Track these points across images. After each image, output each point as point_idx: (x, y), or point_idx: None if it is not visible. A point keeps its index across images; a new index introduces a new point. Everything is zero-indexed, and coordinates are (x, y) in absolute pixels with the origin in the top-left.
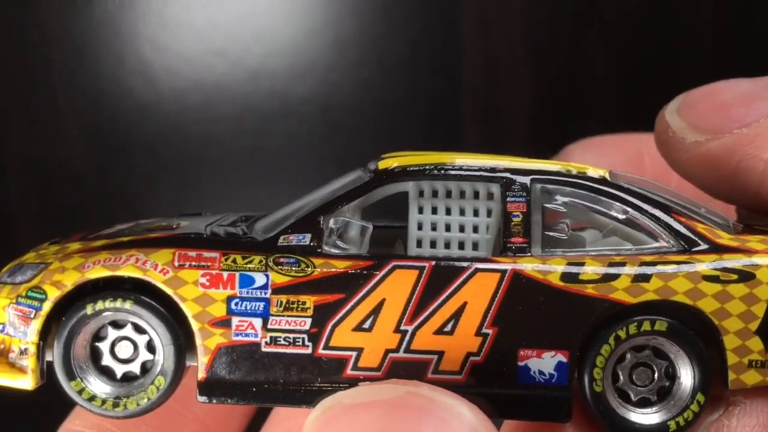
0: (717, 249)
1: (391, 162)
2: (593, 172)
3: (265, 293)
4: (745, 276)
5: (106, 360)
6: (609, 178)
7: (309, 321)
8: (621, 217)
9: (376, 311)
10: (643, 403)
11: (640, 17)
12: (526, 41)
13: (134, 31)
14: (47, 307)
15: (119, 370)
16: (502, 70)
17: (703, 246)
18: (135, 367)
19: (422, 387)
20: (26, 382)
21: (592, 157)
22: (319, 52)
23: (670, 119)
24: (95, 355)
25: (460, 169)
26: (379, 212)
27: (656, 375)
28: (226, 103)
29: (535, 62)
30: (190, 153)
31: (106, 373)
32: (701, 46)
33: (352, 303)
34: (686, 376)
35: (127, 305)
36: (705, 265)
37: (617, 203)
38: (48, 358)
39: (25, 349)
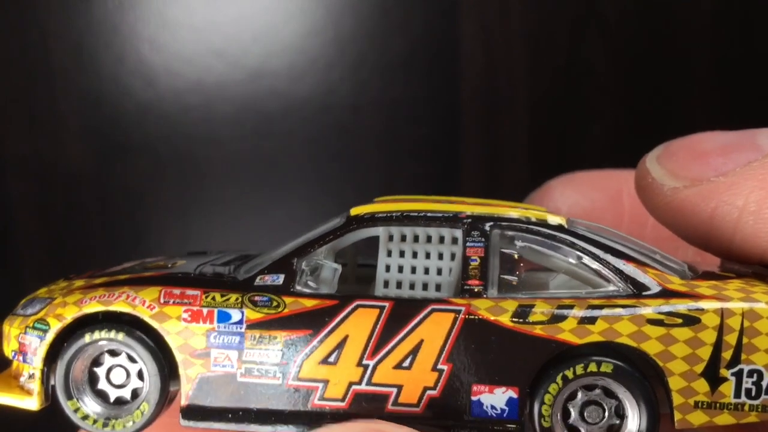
0: (665, 294)
1: (362, 209)
2: (552, 219)
3: (241, 328)
4: (690, 320)
5: (102, 384)
6: (566, 225)
7: (280, 354)
8: (574, 262)
9: (340, 346)
10: None
11: (639, 17)
12: (526, 41)
13: (134, 31)
14: (50, 337)
15: (113, 394)
16: (502, 70)
17: (653, 290)
18: (126, 393)
19: (387, 425)
20: (32, 403)
21: (572, 194)
22: (318, 52)
23: (650, 166)
24: (92, 379)
25: (425, 216)
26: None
27: (606, 413)
28: (226, 103)
29: (535, 62)
30: (190, 153)
31: (101, 396)
32: (701, 47)
33: (318, 338)
34: (633, 415)
35: (120, 337)
36: (650, 308)
37: (571, 249)
38: (53, 382)
39: (32, 374)
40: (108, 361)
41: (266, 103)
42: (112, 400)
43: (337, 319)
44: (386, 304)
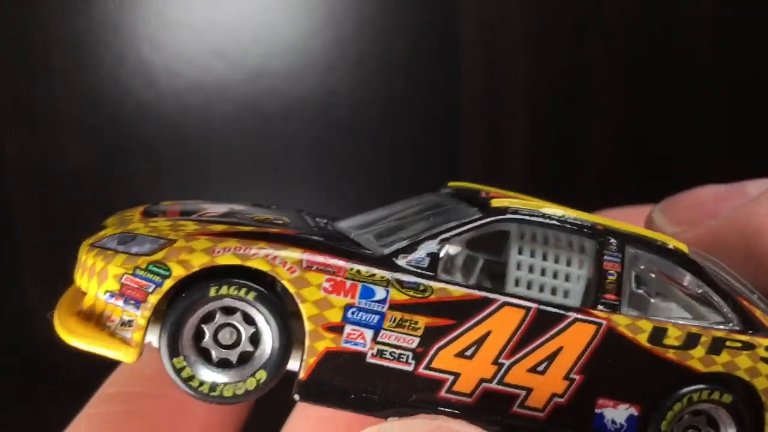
0: None
1: (503, 202)
2: (675, 244)
3: (382, 307)
4: None
5: (206, 342)
6: (688, 254)
7: (417, 340)
8: (697, 291)
9: (480, 341)
10: None
11: (640, 18)
12: (526, 41)
13: (134, 31)
14: (168, 284)
15: (217, 354)
16: (502, 70)
17: (760, 329)
18: (233, 356)
19: (451, 422)
20: (130, 354)
21: None
22: (319, 52)
23: (655, 216)
24: (197, 336)
25: (566, 221)
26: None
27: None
28: (226, 103)
29: (535, 62)
30: (190, 153)
31: (204, 354)
32: (701, 47)
33: (460, 330)
34: None
35: (251, 297)
36: (763, 347)
37: (694, 277)
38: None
39: (129, 321)
40: (219, 318)
41: (266, 103)
42: (214, 360)
43: (483, 314)
44: (532, 306)
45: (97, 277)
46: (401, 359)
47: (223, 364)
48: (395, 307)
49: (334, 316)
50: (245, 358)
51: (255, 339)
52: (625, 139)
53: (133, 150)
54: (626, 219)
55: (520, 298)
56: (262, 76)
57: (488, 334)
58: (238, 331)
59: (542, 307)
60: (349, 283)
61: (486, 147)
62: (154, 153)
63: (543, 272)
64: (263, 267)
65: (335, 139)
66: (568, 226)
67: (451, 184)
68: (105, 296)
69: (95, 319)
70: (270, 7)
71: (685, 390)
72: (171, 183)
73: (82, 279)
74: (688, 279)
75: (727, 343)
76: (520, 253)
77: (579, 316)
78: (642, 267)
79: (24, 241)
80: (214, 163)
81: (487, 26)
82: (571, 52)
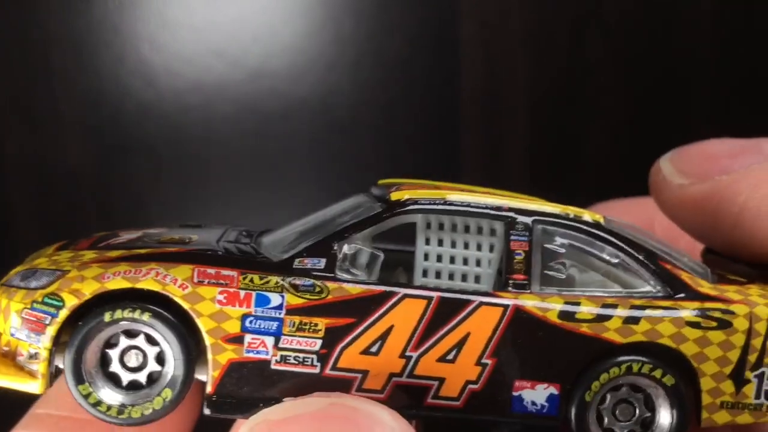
0: (698, 297)
1: (402, 194)
2: (589, 216)
3: (280, 313)
4: (724, 324)
5: (114, 367)
6: (604, 224)
7: (319, 342)
8: (613, 261)
9: (383, 337)
10: None
11: (640, 18)
12: (526, 41)
13: (134, 31)
14: (64, 314)
15: (126, 378)
16: (502, 70)
17: (686, 293)
18: (142, 377)
19: (345, 397)
20: (35, 386)
21: None
22: (318, 52)
23: (662, 164)
24: (104, 362)
25: (468, 206)
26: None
27: (638, 410)
28: (226, 103)
29: (535, 62)
30: (190, 153)
31: (113, 379)
32: (701, 47)
33: (361, 328)
34: (665, 416)
35: (145, 317)
36: (688, 311)
37: (610, 248)
38: (56, 363)
39: (35, 354)
40: (123, 342)
41: (266, 103)
42: (124, 384)
43: (383, 309)
44: (434, 295)
45: (2, 315)
46: (306, 363)
47: (134, 387)
48: (293, 311)
49: (233, 327)
50: (155, 379)
51: (161, 358)
52: (625, 139)
53: (133, 150)
54: (624, 212)
55: (421, 288)
56: (262, 76)
57: (391, 328)
58: (144, 352)
59: (444, 295)
60: (243, 292)
61: (486, 147)
62: (154, 153)
63: (453, 260)
64: (153, 287)
65: (335, 139)
66: (473, 210)
67: (380, 182)
68: (12, 332)
69: (11, 356)
70: (270, 7)
71: (607, 363)
72: (171, 183)
73: None
74: (607, 249)
75: (647, 311)
76: (427, 243)
77: (484, 299)
78: (555, 243)
79: (24, 241)
80: (214, 163)
81: (487, 26)
82: (571, 52)
